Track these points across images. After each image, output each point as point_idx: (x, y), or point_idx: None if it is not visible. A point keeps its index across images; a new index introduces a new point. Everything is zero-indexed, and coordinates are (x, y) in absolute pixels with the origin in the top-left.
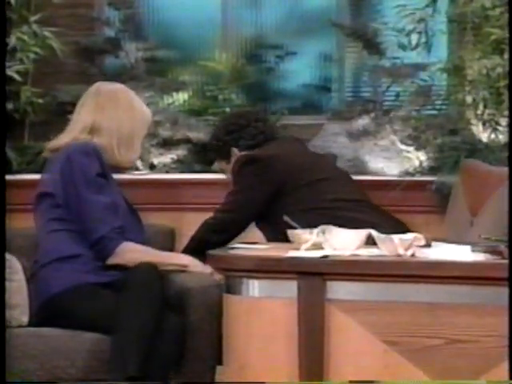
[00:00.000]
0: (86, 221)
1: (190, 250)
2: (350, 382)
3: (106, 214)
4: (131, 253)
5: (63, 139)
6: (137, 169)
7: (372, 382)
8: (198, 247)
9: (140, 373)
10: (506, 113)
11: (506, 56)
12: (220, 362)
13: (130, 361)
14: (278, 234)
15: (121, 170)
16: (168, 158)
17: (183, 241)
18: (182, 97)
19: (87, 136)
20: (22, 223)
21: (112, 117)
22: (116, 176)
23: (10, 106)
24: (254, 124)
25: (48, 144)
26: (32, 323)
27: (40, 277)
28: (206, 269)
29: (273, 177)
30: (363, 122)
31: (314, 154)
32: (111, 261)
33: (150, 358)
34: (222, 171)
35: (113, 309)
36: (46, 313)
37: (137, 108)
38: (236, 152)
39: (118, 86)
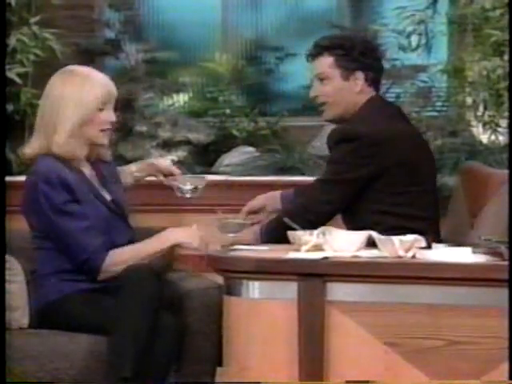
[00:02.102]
0: (64, 247)
1: (274, 228)
2: (347, 382)
3: (83, 237)
4: (118, 262)
5: (32, 148)
6: None
7: (367, 382)
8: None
9: (135, 374)
10: (506, 114)
11: (506, 57)
12: (220, 364)
13: (124, 362)
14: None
15: (96, 158)
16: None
17: None
18: (182, 98)
19: (50, 147)
20: (22, 224)
21: (71, 97)
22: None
23: (10, 107)
24: (379, 62)
25: (22, 152)
26: (32, 325)
27: (36, 285)
28: (201, 243)
29: (375, 161)
30: None
31: (420, 144)
32: (102, 277)
33: (146, 359)
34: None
35: (109, 312)
36: (44, 319)
37: (95, 77)
38: (359, 76)
39: (74, 66)
